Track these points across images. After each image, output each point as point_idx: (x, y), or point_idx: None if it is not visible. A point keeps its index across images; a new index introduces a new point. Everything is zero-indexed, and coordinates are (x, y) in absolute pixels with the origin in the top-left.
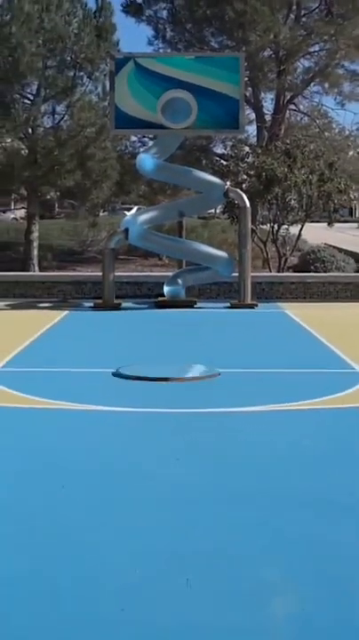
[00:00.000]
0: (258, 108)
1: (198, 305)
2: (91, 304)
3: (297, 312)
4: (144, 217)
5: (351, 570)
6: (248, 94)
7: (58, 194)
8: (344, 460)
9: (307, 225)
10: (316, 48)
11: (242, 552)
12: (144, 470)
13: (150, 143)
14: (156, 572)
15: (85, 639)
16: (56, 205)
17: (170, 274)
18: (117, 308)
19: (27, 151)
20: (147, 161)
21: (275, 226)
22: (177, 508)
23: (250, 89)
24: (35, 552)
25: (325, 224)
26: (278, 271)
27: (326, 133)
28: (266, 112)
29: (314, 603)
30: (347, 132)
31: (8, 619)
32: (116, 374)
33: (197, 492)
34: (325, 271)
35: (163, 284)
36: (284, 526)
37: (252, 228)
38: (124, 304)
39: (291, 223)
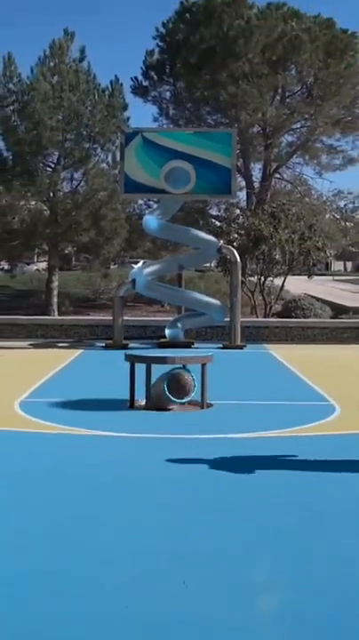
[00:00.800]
0: (247, 177)
1: (195, 345)
2: (103, 344)
3: (280, 352)
4: (149, 269)
5: (338, 568)
6: (239, 164)
7: (75, 249)
8: (321, 476)
9: (290, 277)
10: (298, 125)
11: (237, 552)
12: (145, 476)
13: (154, 206)
14: (156, 572)
15: (88, 635)
16: (73, 259)
17: (170, 318)
18: (125, 347)
19: (48, 212)
20: (151, 221)
21: (262, 278)
22: (176, 509)
23: (241, 160)
24: (40, 551)
25: (305, 277)
26: (264, 317)
27: (306, 199)
28: (254, 180)
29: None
30: (324, 198)
31: (14, 617)
32: (127, 355)
33: (195, 498)
34: (305, 317)
35: (164, 327)
36: (270, 524)
37: (242, 280)
38: (131, 344)
39: (276, 276)
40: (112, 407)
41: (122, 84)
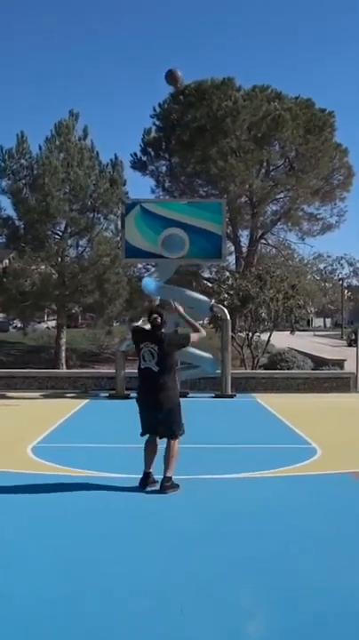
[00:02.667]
0: (236, 242)
1: (190, 395)
2: (107, 394)
3: (267, 401)
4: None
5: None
6: (229, 231)
7: (81, 308)
8: (303, 511)
9: (275, 333)
10: (281, 195)
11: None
12: (145, 511)
13: (153, 269)
14: (157, 602)
15: None
16: (79, 317)
17: None
18: (127, 397)
19: (57, 275)
20: (150, 283)
21: (250, 333)
22: (172, 542)
23: (230, 227)
24: (66, 579)
25: (288, 332)
26: (252, 369)
27: (289, 262)
28: (242, 245)
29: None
30: (306, 261)
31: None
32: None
33: (191, 533)
34: (289, 369)
35: None
36: (256, 556)
37: (232, 335)
38: (133, 394)
39: (262, 331)
40: (113, 451)
41: (122, 161)
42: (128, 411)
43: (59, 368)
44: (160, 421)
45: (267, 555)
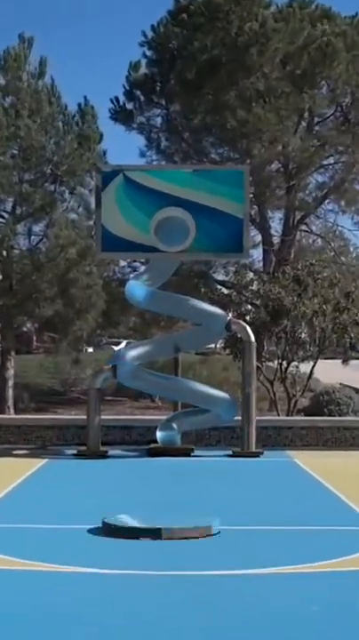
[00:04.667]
0: (264, 229)
1: (196, 453)
2: (74, 451)
3: (308, 461)
4: (135, 352)
5: None
6: (253, 213)
7: (36, 325)
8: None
9: (320, 362)
10: (331, 160)
11: None
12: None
13: (142, 268)
14: None
15: None
16: (34, 339)
17: (164, 417)
18: (104, 456)
19: (0, 277)
20: (137, 289)
21: (284, 363)
22: None
23: (255, 207)
24: None
25: (340, 361)
26: (287, 414)
27: (342, 258)
28: (273, 233)
29: None
30: None
31: None
32: (104, 525)
33: None
34: (340, 415)
35: (155, 428)
36: None
37: (258, 366)
38: (112, 452)
39: (302, 360)
40: (85, 535)
41: (94, 108)
42: (106, 476)
43: (4, 413)
44: None
45: None
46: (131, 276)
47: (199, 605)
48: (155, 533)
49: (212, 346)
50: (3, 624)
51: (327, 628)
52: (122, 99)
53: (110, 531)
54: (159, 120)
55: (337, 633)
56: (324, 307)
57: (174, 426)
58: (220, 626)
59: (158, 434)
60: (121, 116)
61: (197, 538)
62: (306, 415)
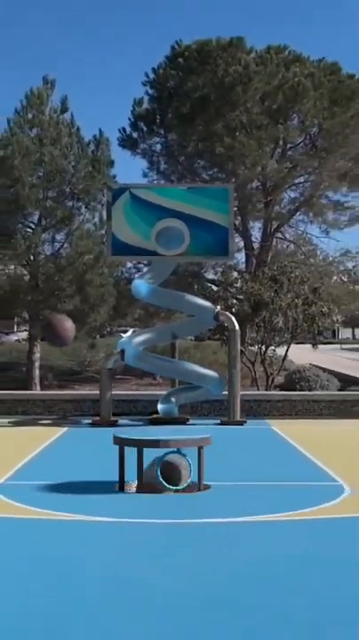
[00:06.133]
0: (246, 236)
1: (190, 422)
2: (90, 421)
3: (283, 428)
4: (139, 339)
5: None
6: (237, 223)
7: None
8: (334, 569)
9: (293, 346)
10: (301, 180)
11: None
12: (134, 567)
13: (145, 269)
14: None
15: None
16: None
17: (163, 392)
18: (114, 424)
19: (28, 277)
20: (141, 286)
21: (263, 347)
22: (167, 615)
23: (239, 218)
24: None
25: (310, 345)
26: (266, 389)
27: (311, 260)
28: (254, 240)
29: None
30: (331, 259)
31: None
32: (114, 437)
33: (189, 600)
34: (310, 390)
35: (157, 401)
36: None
37: (241, 350)
38: (121, 421)
39: (278, 344)
40: (100, 490)
41: (108, 138)
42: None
43: (31, 389)
44: None
45: (286, 609)
46: (136, 275)
47: (196, 547)
48: (154, 443)
49: (204, 333)
50: (34, 565)
51: (303, 561)
52: (128, 129)
53: (119, 441)
54: (159, 146)
55: (310, 566)
56: (296, 300)
57: (172, 399)
58: (212, 563)
59: (159, 406)
60: (127, 143)
61: (197, 447)
62: (281, 390)
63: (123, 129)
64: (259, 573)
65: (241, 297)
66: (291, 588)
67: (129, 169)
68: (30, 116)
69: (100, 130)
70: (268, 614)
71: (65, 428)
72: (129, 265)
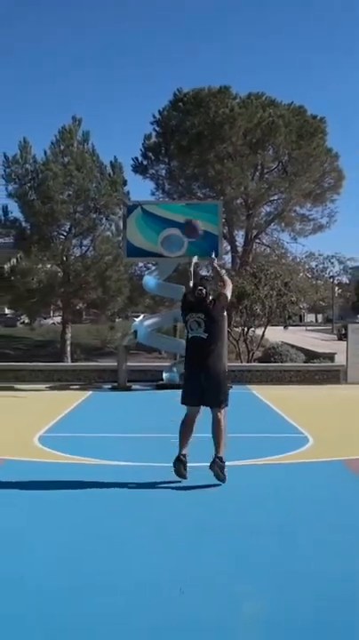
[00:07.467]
0: (232, 242)
1: None
2: (110, 386)
3: (261, 392)
4: (148, 322)
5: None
6: (225, 231)
7: (85, 305)
8: (293, 499)
9: (269, 328)
10: (275, 197)
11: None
12: (140, 497)
13: (153, 268)
14: (155, 581)
15: None
16: (84, 313)
17: (167, 364)
18: (129, 389)
19: (62, 274)
20: (150, 281)
21: (245, 328)
22: (166, 528)
23: (226, 227)
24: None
25: (282, 327)
26: (247, 362)
27: (283, 260)
28: (238, 244)
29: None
30: (298, 259)
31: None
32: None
33: (184, 522)
34: (282, 362)
35: (162, 371)
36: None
37: (228, 330)
38: (134, 386)
39: (257, 326)
40: (118, 439)
41: (121, 162)
42: (130, 402)
43: (64, 361)
44: (206, 388)
45: (257, 544)
46: (146, 272)
47: (186, 483)
48: None
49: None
50: (65, 501)
51: (273, 499)
52: (139, 158)
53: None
54: (164, 172)
55: (280, 502)
56: (271, 292)
57: (175, 370)
58: (194, 496)
59: (164, 374)
60: (139, 169)
61: None
62: (259, 362)
63: (136, 158)
64: (232, 504)
65: None
66: (255, 510)
67: (140, 189)
68: (62, 147)
69: (115, 157)
70: (242, 530)
71: (90, 392)
72: (140, 264)
